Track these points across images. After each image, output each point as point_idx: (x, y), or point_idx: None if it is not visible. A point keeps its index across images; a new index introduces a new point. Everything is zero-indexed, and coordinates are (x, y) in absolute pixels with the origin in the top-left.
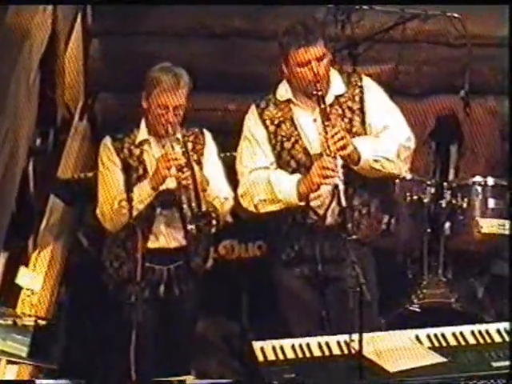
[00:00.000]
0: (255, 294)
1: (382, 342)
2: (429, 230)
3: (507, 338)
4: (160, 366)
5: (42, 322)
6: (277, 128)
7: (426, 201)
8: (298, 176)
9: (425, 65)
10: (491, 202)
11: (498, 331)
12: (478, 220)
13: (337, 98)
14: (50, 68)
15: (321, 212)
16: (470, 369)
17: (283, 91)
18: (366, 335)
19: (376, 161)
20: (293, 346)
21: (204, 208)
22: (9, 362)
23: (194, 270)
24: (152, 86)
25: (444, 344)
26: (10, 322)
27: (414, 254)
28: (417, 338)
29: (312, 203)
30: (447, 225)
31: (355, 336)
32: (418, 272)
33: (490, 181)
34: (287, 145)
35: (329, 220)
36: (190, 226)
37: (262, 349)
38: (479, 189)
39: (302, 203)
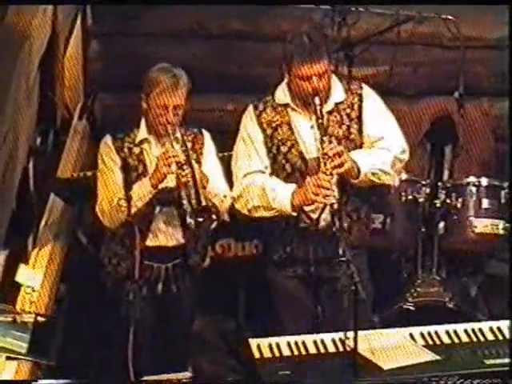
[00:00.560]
0: (251, 292)
1: (376, 339)
2: (423, 230)
3: (500, 336)
4: (157, 363)
5: (41, 319)
6: (274, 131)
7: (420, 200)
8: (293, 187)
9: (419, 66)
10: (485, 202)
11: (491, 329)
12: (472, 220)
13: (336, 105)
14: (50, 69)
15: (314, 216)
16: (464, 366)
17: (282, 95)
18: (360, 333)
19: (373, 174)
20: (288, 344)
21: (203, 203)
22: (8, 358)
23: (191, 268)
24: (151, 87)
25: (438, 342)
26: (9, 318)
27: (409, 253)
28: (411, 335)
29: (305, 208)
30: (441, 224)
31: (350, 334)
32: (412, 271)
33: (484, 181)
34: (283, 149)
35: (321, 224)
36: (189, 220)
37: (258, 346)
38: (473, 189)
39: (295, 213)
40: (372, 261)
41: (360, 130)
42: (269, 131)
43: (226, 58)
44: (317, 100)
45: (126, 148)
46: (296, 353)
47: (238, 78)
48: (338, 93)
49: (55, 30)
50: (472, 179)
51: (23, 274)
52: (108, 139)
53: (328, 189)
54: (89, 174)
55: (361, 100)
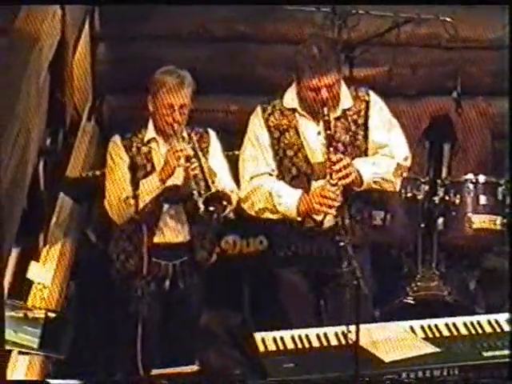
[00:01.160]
0: (257, 287)
1: (377, 333)
2: (423, 226)
3: (498, 329)
4: (165, 358)
5: (52, 315)
6: (281, 135)
7: (420, 198)
8: (299, 193)
9: (418, 67)
10: (482, 199)
11: (489, 322)
12: (470, 216)
13: (344, 111)
14: (59, 71)
15: (318, 219)
16: (462, 358)
17: (290, 99)
18: (362, 327)
19: (375, 182)
20: (292, 337)
21: (214, 190)
22: (20, 352)
23: (198, 264)
24: (157, 88)
25: (437, 335)
26: (21, 314)
27: (409, 248)
28: (411, 328)
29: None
30: (440, 220)
31: (352, 327)
32: (412, 266)
33: (482, 178)
34: (289, 152)
35: (326, 225)
36: (201, 207)
37: (262, 339)
38: (471, 186)
39: (300, 218)
40: (373, 256)
41: (365, 137)
42: (276, 134)
43: (229, 60)
44: (325, 110)
45: (135, 147)
46: (300, 346)
47: (241, 80)
48: (346, 99)
49: (64, 33)
50: (470, 176)
51: (34, 271)
52: (117, 138)
53: (333, 200)
54: (97, 173)
55: (367, 107)
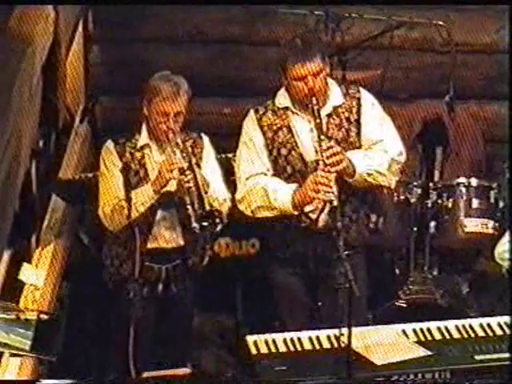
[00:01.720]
0: (249, 289)
1: (370, 336)
2: (415, 229)
3: (490, 333)
4: (157, 360)
5: (44, 317)
6: (274, 134)
7: (412, 201)
8: (293, 186)
9: (411, 71)
10: (475, 202)
11: (481, 326)
12: (463, 219)
13: (335, 108)
14: (52, 73)
15: (313, 217)
16: (455, 362)
17: (282, 99)
18: (354, 330)
19: (369, 174)
20: (285, 340)
21: (207, 208)
22: (12, 354)
23: (191, 268)
24: (152, 94)
25: (429, 338)
26: (13, 316)
27: (401, 251)
28: (403, 332)
29: (305, 209)
30: (433, 224)
31: (344, 330)
32: (404, 269)
33: (474, 182)
34: (284, 151)
35: (321, 223)
36: (194, 225)
37: (255, 342)
38: (463, 189)
39: (296, 212)
40: (366, 259)
41: (359, 133)
42: (269, 134)
43: (223, 63)
44: (314, 100)
45: (128, 153)
46: (292, 349)
47: (234, 82)
48: (336, 97)
49: (57, 35)
50: (462, 180)
51: (26, 273)
52: (110, 144)
53: (327, 185)
54: (90, 175)
55: (359, 104)
